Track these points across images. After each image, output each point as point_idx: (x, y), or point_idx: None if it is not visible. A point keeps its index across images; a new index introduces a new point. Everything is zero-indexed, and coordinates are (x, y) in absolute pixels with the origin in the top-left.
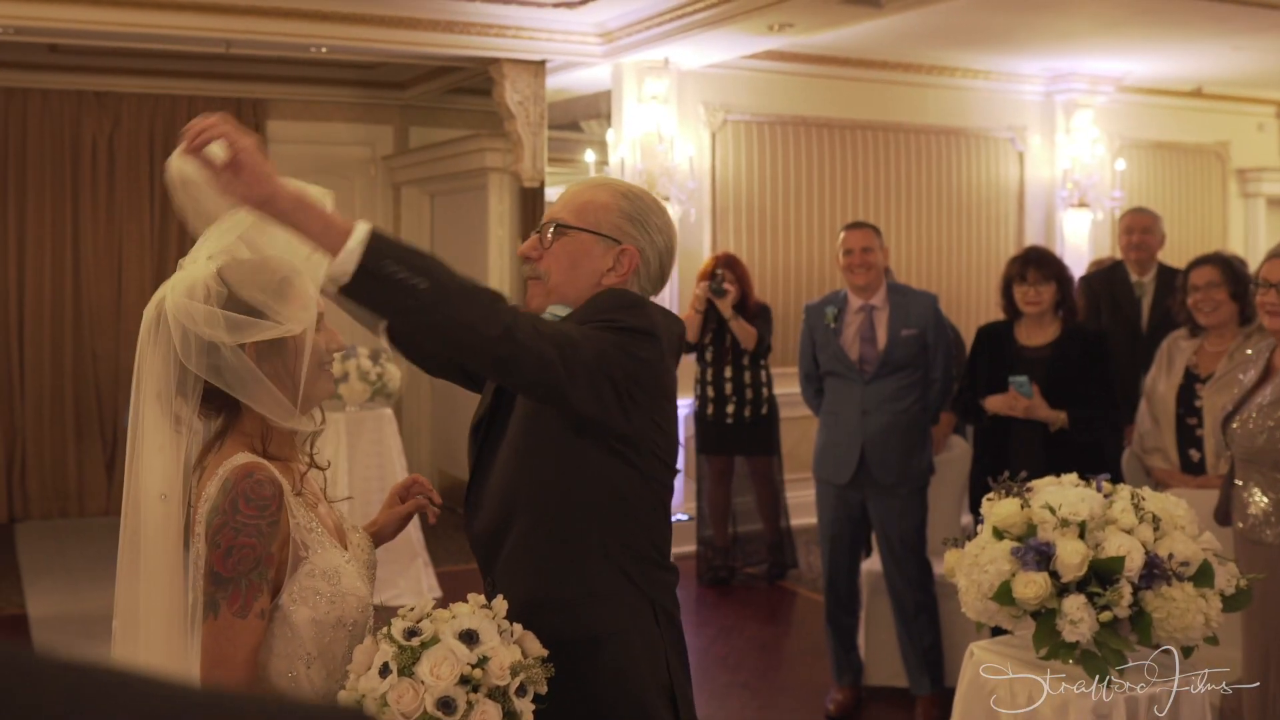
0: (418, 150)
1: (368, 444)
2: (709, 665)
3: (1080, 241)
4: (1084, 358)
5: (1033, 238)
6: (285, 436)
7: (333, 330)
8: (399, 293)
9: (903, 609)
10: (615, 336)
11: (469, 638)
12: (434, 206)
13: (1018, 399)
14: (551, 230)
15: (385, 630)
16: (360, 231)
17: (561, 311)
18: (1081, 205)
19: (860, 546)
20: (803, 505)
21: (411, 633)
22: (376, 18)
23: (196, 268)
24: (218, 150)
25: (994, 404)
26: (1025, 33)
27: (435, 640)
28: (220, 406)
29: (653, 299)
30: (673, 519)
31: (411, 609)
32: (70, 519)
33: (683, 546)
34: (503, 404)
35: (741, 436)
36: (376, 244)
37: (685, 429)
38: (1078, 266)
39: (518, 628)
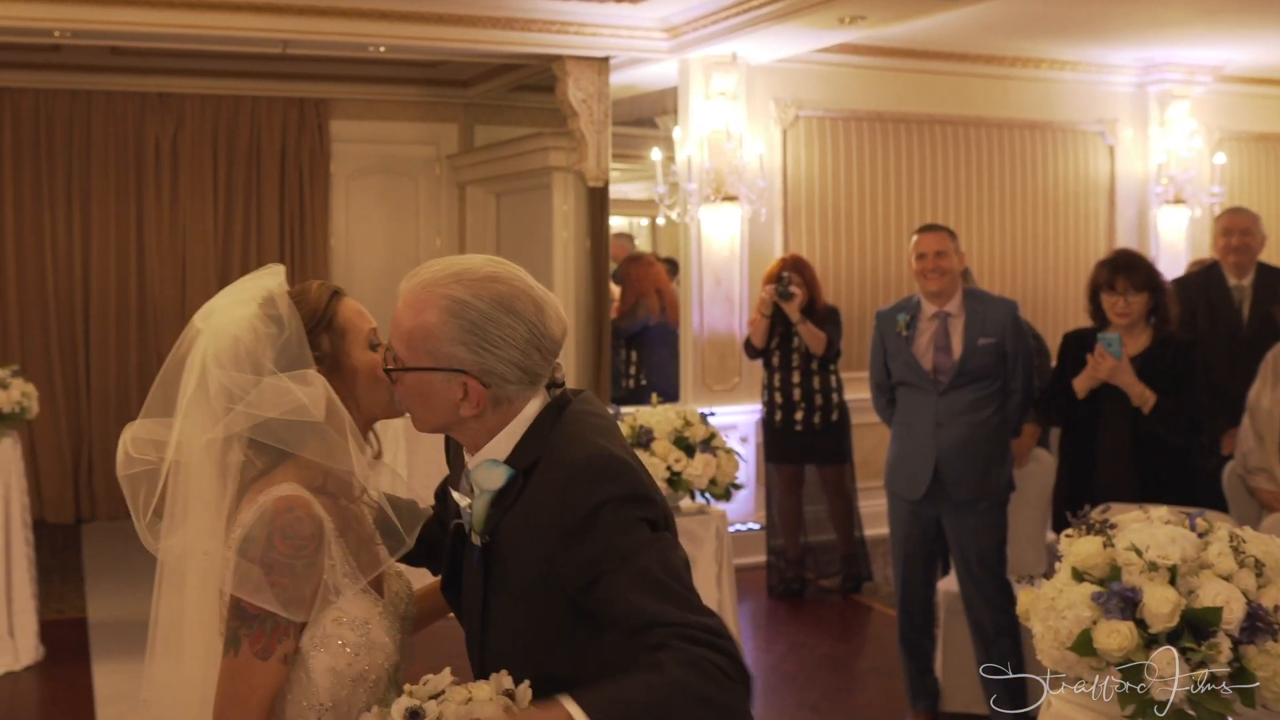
0: (482, 149)
1: (427, 450)
2: (777, 684)
3: (1177, 240)
4: (1172, 368)
5: (1124, 236)
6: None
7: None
8: None
9: (982, 631)
10: (632, 515)
11: None
12: (499, 207)
13: (1105, 358)
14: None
15: (392, 703)
16: None
17: (491, 480)
18: (1178, 202)
19: (935, 565)
20: (878, 515)
21: (414, 714)
22: (435, 15)
23: (238, 306)
24: None
25: (1081, 381)
26: (1115, 21)
27: None
28: (272, 451)
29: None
30: (741, 528)
31: (427, 681)
32: None
33: (752, 557)
34: (487, 572)
35: (812, 444)
36: None
37: (754, 436)
38: (1174, 267)
39: None
